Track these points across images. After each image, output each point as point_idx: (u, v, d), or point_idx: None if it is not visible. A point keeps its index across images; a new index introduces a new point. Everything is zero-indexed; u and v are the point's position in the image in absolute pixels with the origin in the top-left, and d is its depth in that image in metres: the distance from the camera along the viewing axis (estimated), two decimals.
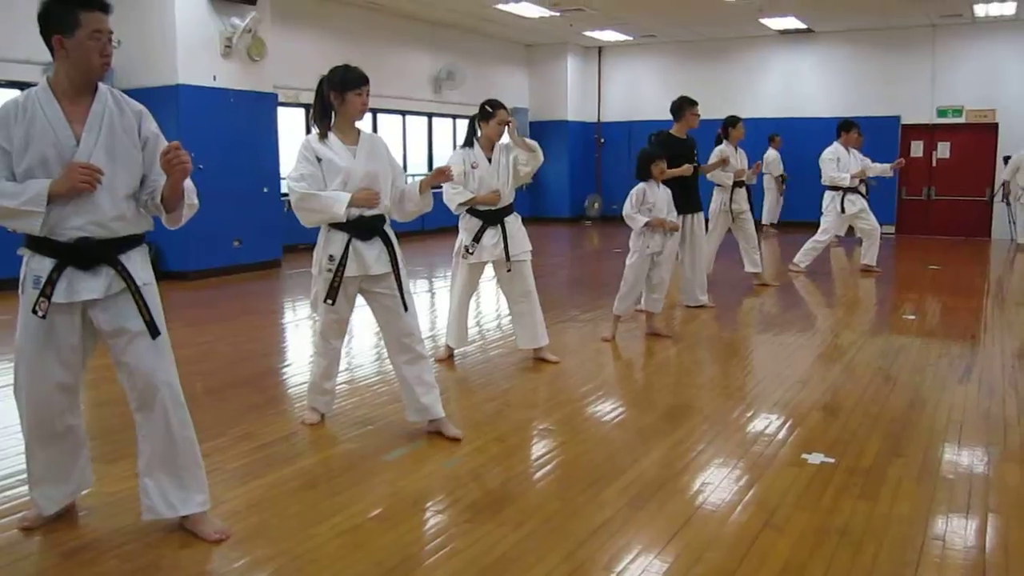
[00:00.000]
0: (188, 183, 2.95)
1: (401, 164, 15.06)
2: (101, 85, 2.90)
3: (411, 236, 12.92)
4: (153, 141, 2.96)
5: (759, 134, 14.30)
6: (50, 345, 2.90)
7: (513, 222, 5.49)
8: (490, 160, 5.38)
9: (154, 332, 2.95)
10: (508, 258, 5.42)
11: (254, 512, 3.29)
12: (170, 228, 3.05)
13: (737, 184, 8.70)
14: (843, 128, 9.90)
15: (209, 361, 5.85)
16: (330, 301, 4.05)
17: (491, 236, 5.41)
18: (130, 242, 2.94)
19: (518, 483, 3.67)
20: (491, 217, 5.41)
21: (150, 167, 2.95)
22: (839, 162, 9.77)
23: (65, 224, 2.81)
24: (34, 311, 2.83)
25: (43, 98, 2.80)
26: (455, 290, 5.68)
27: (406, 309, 4.09)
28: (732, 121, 8.68)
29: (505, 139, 5.47)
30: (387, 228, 4.10)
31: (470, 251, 5.41)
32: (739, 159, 8.75)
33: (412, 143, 14.85)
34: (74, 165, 2.75)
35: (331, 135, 3.99)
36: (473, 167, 5.35)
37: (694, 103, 7.39)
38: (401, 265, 4.10)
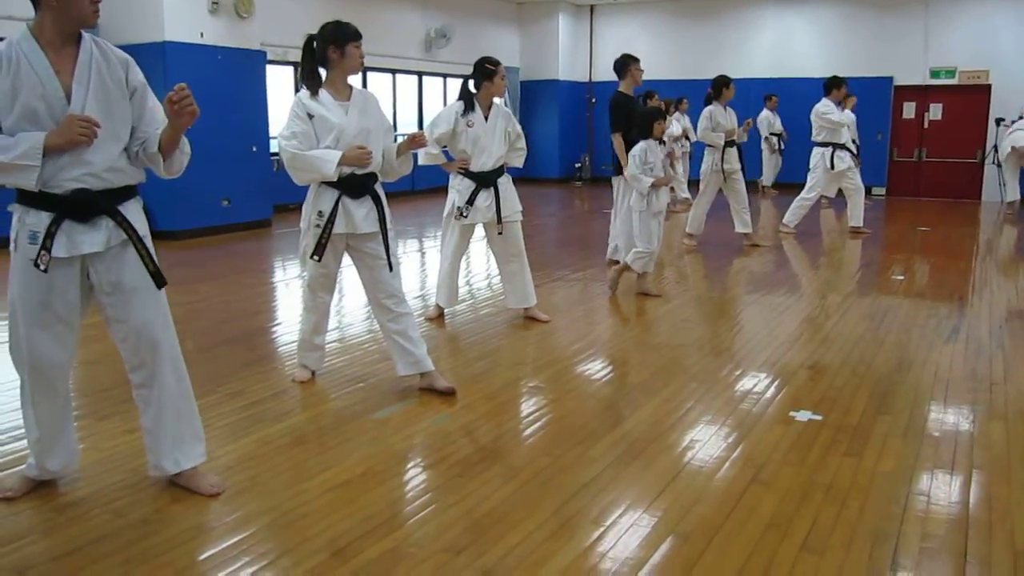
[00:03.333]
0: None
1: (391, 123, 14.92)
2: (85, 34, 2.80)
3: (401, 196, 12.86)
4: (141, 91, 2.89)
5: (752, 94, 14.22)
6: (47, 302, 2.82)
7: (505, 183, 5.50)
8: (487, 120, 5.36)
9: (160, 281, 2.92)
10: (500, 220, 5.42)
11: (245, 468, 3.31)
12: (167, 177, 2.98)
13: (728, 144, 8.70)
14: (833, 85, 9.78)
15: (199, 320, 5.84)
16: (316, 257, 4.04)
17: (484, 198, 5.41)
18: (126, 193, 2.89)
19: (508, 439, 3.70)
20: (484, 179, 5.39)
21: (139, 117, 2.88)
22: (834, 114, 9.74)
23: (61, 176, 2.72)
24: (36, 264, 2.72)
25: (27, 48, 2.69)
26: (447, 251, 5.68)
27: (391, 269, 4.10)
28: (724, 81, 8.66)
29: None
30: (377, 187, 4.09)
31: (464, 214, 5.40)
32: (729, 119, 8.75)
33: (402, 102, 14.72)
34: (72, 118, 2.67)
35: (323, 91, 3.95)
36: (469, 126, 5.33)
37: (637, 59, 7.40)
38: (389, 225, 4.09)
